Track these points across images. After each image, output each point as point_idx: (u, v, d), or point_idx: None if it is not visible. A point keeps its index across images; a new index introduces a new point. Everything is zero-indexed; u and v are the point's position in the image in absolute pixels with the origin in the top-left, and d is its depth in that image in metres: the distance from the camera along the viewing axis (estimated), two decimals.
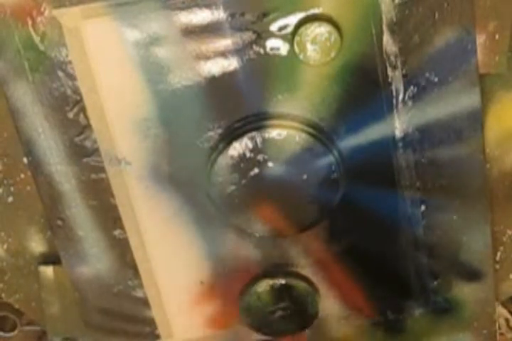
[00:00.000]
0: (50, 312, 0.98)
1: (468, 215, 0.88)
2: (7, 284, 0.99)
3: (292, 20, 0.79)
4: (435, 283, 0.92)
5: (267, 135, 0.81)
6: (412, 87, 0.82)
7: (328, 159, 0.82)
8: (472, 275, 0.91)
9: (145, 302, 0.92)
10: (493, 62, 0.84)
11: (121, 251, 0.89)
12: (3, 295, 1.00)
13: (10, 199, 0.93)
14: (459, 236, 0.90)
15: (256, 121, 0.82)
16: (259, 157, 0.82)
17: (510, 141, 0.89)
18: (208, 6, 0.79)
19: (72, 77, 0.81)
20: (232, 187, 0.83)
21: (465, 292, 0.92)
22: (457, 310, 0.93)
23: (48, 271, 0.96)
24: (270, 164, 0.82)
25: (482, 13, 0.82)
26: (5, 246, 0.96)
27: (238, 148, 0.81)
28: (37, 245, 0.97)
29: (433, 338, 0.95)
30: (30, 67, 0.80)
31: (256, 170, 0.82)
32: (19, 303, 1.01)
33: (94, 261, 0.90)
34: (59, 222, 0.88)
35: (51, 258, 0.96)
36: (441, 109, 0.83)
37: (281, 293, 0.89)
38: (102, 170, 0.85)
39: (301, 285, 0.89)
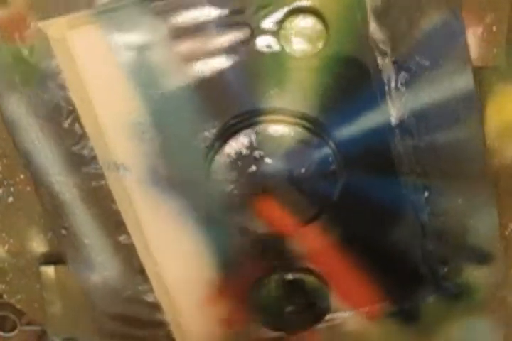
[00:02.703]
0: (52, 312, 0.98)
1: (473, 198, 0.87)
2: (9, 285, 0.99)
3: (280, 15, 0.79)
4: (445, 269, 0.91)
5: (261, 131, 0.81)
6: (403, 73, 0.81)
7: (325, 151, 0.82)
8: (482, 258, 0.90)
9: (157, 306, 0.92)
10: (491, 54, 0.83)
11: (128, 256, 0.90)
12: (5, 296, 1.00)
13: (10, 199, 0.93)
14: (465, 219, 0.89)
15: (249, 118, 0.82)
16: (256, 154, 0.82)
17: (510, 133, 0.89)
18: (194, 7, 0.79)
19: (63, 88, 0.81)
20: (231, 186, 0.83)
21: (476, 276, 0.91)
22: (470, 295, 0.92)
23: (49, 271, 0.97)
24: (267, 160, 0.82)
25: (479, 5, 0.81)
26: (6, 247, 0.97)
27: (234, 146, 0.82)
28: (38, 245, 0.97)
29: (448, 323, 0.94)
30: (22, 80, 0.81)
31: (254, 167, 0.82)
32: (21, 304, 1.01)
33: (102, 268, 0.90)
34: (63, 232, 0.88)
35: (52, 259, 0.96)
36: (435, 92, 0.82)
37: (290, 289, 0.89)
38: (102, 177, 0.85)
39: (310, 279, 0.89)
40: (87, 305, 0.92)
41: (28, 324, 1.07)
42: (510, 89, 0.87)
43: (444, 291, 0.93)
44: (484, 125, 0.86)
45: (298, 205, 0.84)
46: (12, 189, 0.92)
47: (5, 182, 0.92)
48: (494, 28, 0.82)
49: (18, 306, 1.01)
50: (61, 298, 0.97)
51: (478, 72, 0.84)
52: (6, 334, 1.06)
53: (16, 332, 1.06)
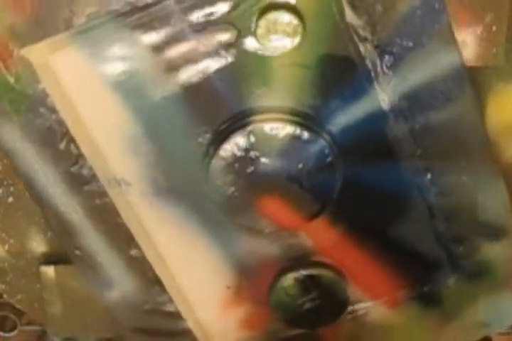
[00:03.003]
0: (52, 312, 0.99)
1: (477, 174, 0.86)
2: (9, 285, 1.01)
3: (256, 13, 0.79)
4: (460, 248, 0.90)
5: (253, 132, 0.81)
6: (387, 57, 0.81)
7: (319, 144, 0.81)
8: (496, 233, 0.89)
9: (178, 315, 0.93)
10: (491, 54, 0.83)
11: (142, 269, 0.90)
12: (5, 296, 1.01)
13: (10, 199, 0.94)
14: (473, 196, 0.88)
15: (240, 119, 0.82)
16: (251, 154, 0.82)
17: (510, 132, 0.88)
18: (168, 17, 0.79)
19: (54, 111, 0.82)
20: (232, 189, 0.83)
21: (493, 251, 0.90)
22: (490, 271, 0.91)
23: (49, 271, 0.98)
24: (263, 160, 0.82)
25: (479, 4, 0.81)
26: (6, 247, 0.98)
27: (228, 149, 0.82)
28: (38, 245, 0.98)
29: (472, 303, 0.93)
30: (12, 108, 0.82)
31: (251, 168, 0.82)
32: (22, 304, 1.02)
33: (119, 283, 0.91)
34: (76, 252, 0.89)
35: (52, 259, 0.97)
36: (422, 72, 0.81)
37: (307, 285, 0.89)
38: (105, 194, 0.86)
39: (325, 273, 0.89)
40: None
41: (28, 324, 1.08)
42: (510, 89, 0.86)
43: (463, 271, 0.91)
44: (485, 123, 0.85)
45: (301, 201, 0.84)
46: (12, 189, 0.93)
47: (5, 182, 0.92)
48: (494, 28, 0.82)
49: (18, 306, 1.02)
50: (61, 298, 0.98)
51: (478, 72, 0.85)
52: (6, 334, 1.08)
53: (16, 332, 1.07)
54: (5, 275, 0.99)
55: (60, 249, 0.92)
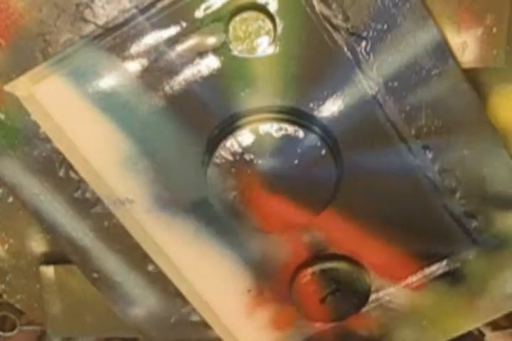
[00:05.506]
0: (51, 312, 1.01)
1: (478, 146, 0.85)
2: (9, 285, 1.02)
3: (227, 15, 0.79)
4: (475, 222, 0.89)
5: (244, 134, 0.81)
6: (364, 42, 0.80)
7: (311, 137, 0.81)
8: (507, 202, 0.87)
9: (205, 324, 0.93)
10: (491, 55, 0.83)
11: (162, 283, 0.91)
12: (5, 296, 1.03)
13: (10, 199, 0.96)
14: (478, 169, 0.86)
15: (229, 124, 0.82)
16: (246, 157, 0.82)
17: (510, 133, 0.87)
18: (140, 35, 0.79)
19: (47, 140, 0.83)
20: (233, 193, 0.83)
21: (509, 222, 0.89)
22: (509, 242, 0.90)
23: (48, 271, 0.99)
24: (259, 161, 0.82)
25: (479, 6, 0.81)
26: (6, 247, 0.99)
27: (222, 155, 0.82)
28: (38, 245, 1.00)
29: (497, 276, 0.91)
30: (7, 144, 0.84)
31: (248, 171, 0.82)
32: (21, 304, 1.03)
33: (142, 300, 0.92)
34: (95, 275, 0.91)
35: (52, 259, 0.98)
36: (403, 52, 0.80)
37: (324, 279, 0.88)
38: (112, 215, 0.87)
39: (339, 265, 0.88)
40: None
41: (28, 324, 1.09)
42: (511, 90, 0.86)
43: (482, 245, 0.90)
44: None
45: (304, 196, 0.83)
46: None
47: None
48: (494, 30, 0.82)
49: (18, 306, 1.03)
50: (61, 298, 0.99)
51: (478, 73, 0.84)
52: (6, 334, 1.09)
53: (15, 332, 1.09)
54: (5, 275, 1.01)
55: (59, 249, 0.92)
